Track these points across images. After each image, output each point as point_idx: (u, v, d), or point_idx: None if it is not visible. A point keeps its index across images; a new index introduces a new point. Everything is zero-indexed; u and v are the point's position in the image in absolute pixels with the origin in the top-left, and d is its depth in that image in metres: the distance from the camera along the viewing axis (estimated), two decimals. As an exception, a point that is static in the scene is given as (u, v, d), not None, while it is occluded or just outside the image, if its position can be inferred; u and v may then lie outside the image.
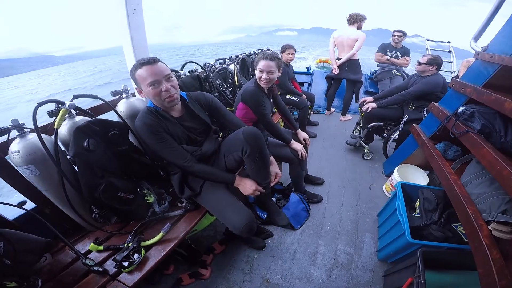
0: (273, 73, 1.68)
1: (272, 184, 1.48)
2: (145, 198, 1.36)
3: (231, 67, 2.63)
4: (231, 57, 2.84)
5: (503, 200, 1.08)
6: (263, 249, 1.69)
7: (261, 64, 1.66)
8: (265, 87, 1.76)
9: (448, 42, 4.93)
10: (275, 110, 2.27)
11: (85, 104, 1.38)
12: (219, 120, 1.49)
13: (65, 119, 1.16)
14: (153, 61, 1.13)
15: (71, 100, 1.11)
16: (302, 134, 1.95)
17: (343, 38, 3.32)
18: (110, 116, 1.36)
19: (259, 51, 3.71)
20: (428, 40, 4.94)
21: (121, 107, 1.41)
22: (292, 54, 3.02)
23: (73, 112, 1.18)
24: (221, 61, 2.72)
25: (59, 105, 1.10)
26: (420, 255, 1.18)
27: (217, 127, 1.56)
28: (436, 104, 1.89)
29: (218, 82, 2.30)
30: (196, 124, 1.36)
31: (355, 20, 3.24)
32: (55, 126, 1.02)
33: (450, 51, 4.78)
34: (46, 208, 1.20)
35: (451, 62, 4.68)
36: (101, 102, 1.33)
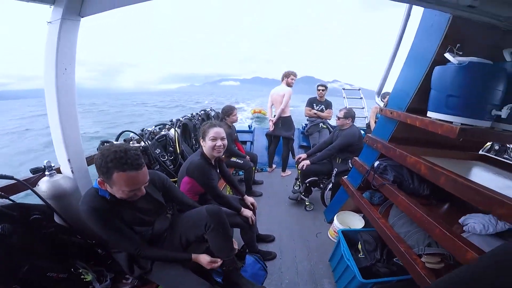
0: (225, 138, 1.74)
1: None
2: (82, 276, 1.21)
3: (172, 131, 2.53)
4: (171, 121, 2.77)
5: (425, 235, 1.36)
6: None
7: (213, 131, 1.68)
8: (218, 156, 1.77)
9: (359, 89, 5.83)
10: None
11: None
12: (170, 200, 1.47)
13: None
14: (139, 166, 1.04)
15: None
16: (249, 199, 2.02)
17: (275, 96, 3.63)
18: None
19: (202, 112, 3.87)
20: (344, 89, 5.82)
21: (43, 186, 1.28)
22: (236, 115, 3.19)
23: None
24: (161, 126, 2.63)
25: None
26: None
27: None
28: (357, 159, 2.22)
29: (157, 152, 2.18)
30: (150, 205, 1.31)
31: (283, 76, 3.58)
32: None
33: (361, 98, 5.60)
34: None
35: (363, 108, 5.47)
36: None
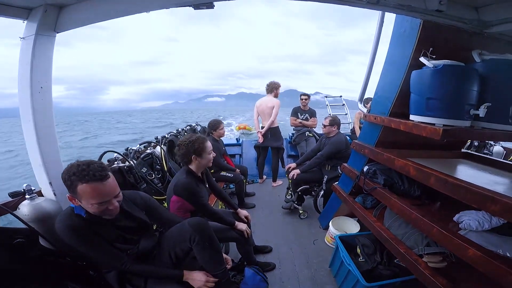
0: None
1: (228, 268, 1.46)
2: (75, 298, 1.16)
3: (158, 149, 2.47)
4: (157, 138, 2.69)
5: (422, 235, 1.37)
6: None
7: (209, 146, 1.71)
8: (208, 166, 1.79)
9: (340, 96, 6.09)
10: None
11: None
12: (155, 219, 1.43)
13: None
14: (102, 176, 1.01)
15: None
16: (243, 212, 2.01)
17: (263, 107, 3.63)
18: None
19: (188, 127, 3.84)
20: (326, 97, 6.07)
21: (25, 210, 1.22)
22: (223, 129, 3.16)
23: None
24: (146, 144, 2.57)
25: None
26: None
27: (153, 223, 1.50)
28: (346, 164, 2.21)
29: (144, 171, 2.12)
30: (132, 223, 1.27)
31: (272, 88, 3.60)
32: None
33: (343, 104, 5.88)
34: None
35: (346, 114, 5.73)
36: None
